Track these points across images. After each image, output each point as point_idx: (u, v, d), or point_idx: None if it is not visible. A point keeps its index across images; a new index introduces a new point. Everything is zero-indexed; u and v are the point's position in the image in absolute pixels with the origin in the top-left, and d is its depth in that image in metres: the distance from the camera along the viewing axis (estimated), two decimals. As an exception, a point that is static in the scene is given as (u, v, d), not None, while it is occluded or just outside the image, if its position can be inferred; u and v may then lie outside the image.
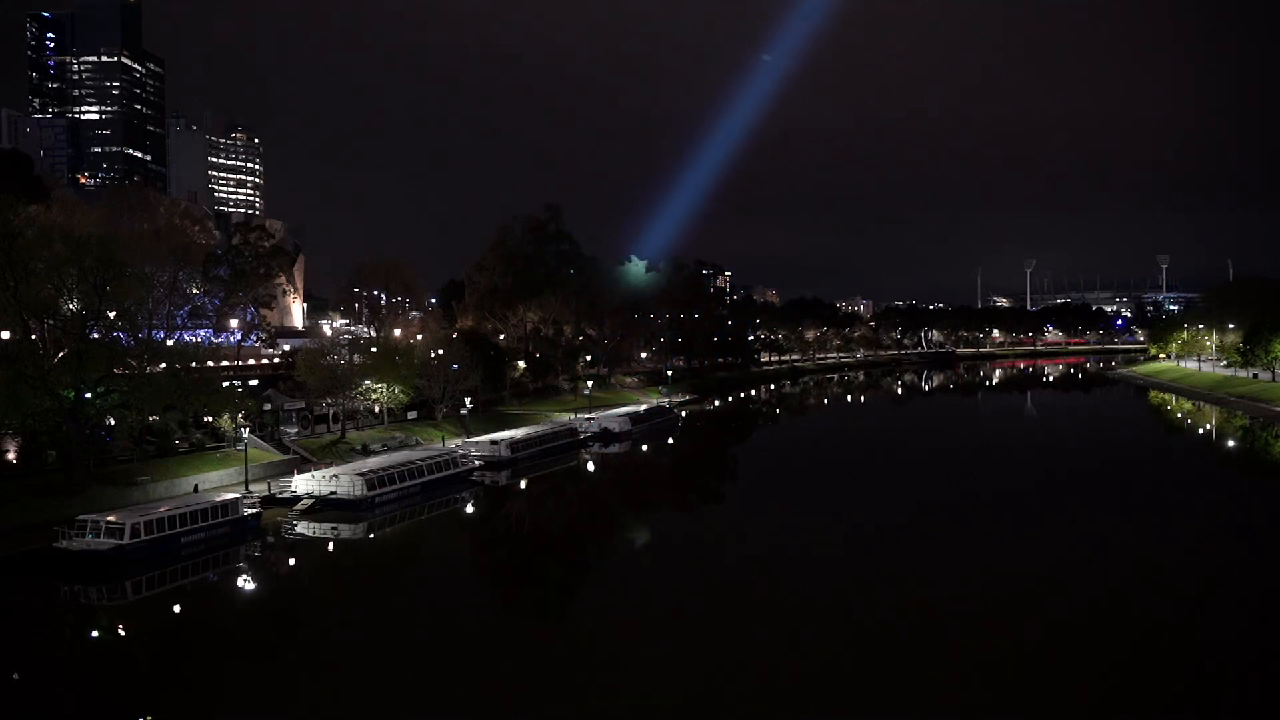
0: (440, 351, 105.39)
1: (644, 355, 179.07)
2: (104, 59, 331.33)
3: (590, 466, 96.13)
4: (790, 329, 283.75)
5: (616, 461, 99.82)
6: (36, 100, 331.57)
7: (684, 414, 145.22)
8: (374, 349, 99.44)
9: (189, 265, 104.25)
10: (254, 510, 63.08)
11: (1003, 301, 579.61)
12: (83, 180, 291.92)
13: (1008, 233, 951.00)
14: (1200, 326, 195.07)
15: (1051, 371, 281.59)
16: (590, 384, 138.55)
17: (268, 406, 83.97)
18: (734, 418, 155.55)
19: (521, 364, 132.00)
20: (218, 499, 61.29)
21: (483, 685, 35.94)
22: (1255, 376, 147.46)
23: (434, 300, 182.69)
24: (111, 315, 66.21)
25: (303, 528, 65.01)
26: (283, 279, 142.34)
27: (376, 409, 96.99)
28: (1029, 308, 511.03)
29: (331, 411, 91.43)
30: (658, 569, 54.49)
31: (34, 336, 64.52)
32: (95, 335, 64.07)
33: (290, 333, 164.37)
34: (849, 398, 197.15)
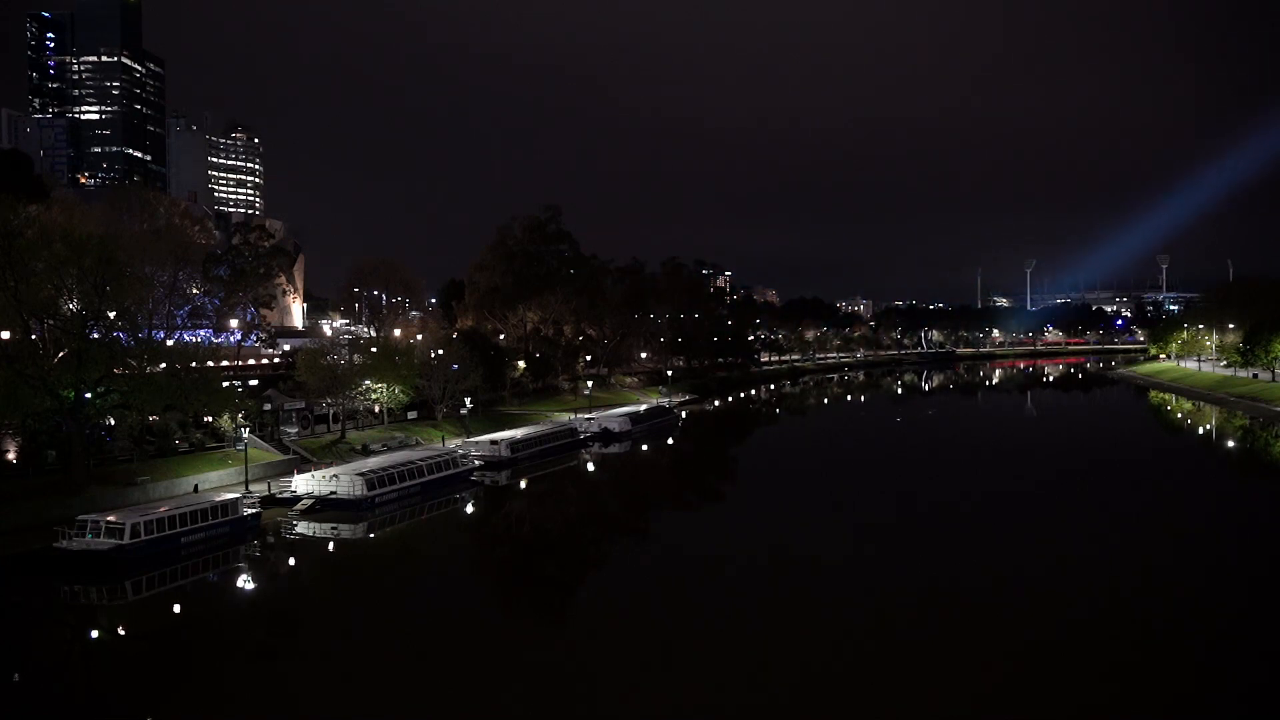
0: (440, 351, 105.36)
1: (644, 355, 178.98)
2: (104, 59, 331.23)
3: (590, 466, 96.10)
4: (790, 329, 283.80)
5: (616, 461, 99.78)
6: (36, 100, 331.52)
7: (684, 414, 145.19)
8: (374, 349, 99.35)
9: (189, 265, 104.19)
10: (254, 510, 63.06)
11: (1003, 301, 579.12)
12: (83, 180, 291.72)
13: (1008, 233, 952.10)
14: (1200, 326, 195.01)
15: (1051, 371, 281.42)
16: (590, 384, 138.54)
17: (268, 406, 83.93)
18: (734, 418, 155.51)
19: (521, 364, 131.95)
20: (218, 499, 61.26)
21: (483, 685, 35.93)
22: (1255, 376, 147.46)
23: (434, 300, 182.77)
24: (111, 315, 66.13)
25: (303, 528, 65.00)
26: (283, 279, 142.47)
27: (376, 409, 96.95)
28: (1029, 308, 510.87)
29: (331, 411, 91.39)
30: (658, 569, 54.44)
31: (34, 336, 64.46)
32: (95, 335, 64.00)
33: (290, 333, 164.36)
34: (849, 398, 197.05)
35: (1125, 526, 62.50)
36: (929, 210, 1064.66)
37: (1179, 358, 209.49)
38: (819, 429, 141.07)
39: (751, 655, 38.13)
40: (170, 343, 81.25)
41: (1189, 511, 68.73)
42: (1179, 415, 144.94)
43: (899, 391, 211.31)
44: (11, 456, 63.67)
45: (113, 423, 68.18)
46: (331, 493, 68.91)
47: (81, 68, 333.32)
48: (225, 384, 76.25)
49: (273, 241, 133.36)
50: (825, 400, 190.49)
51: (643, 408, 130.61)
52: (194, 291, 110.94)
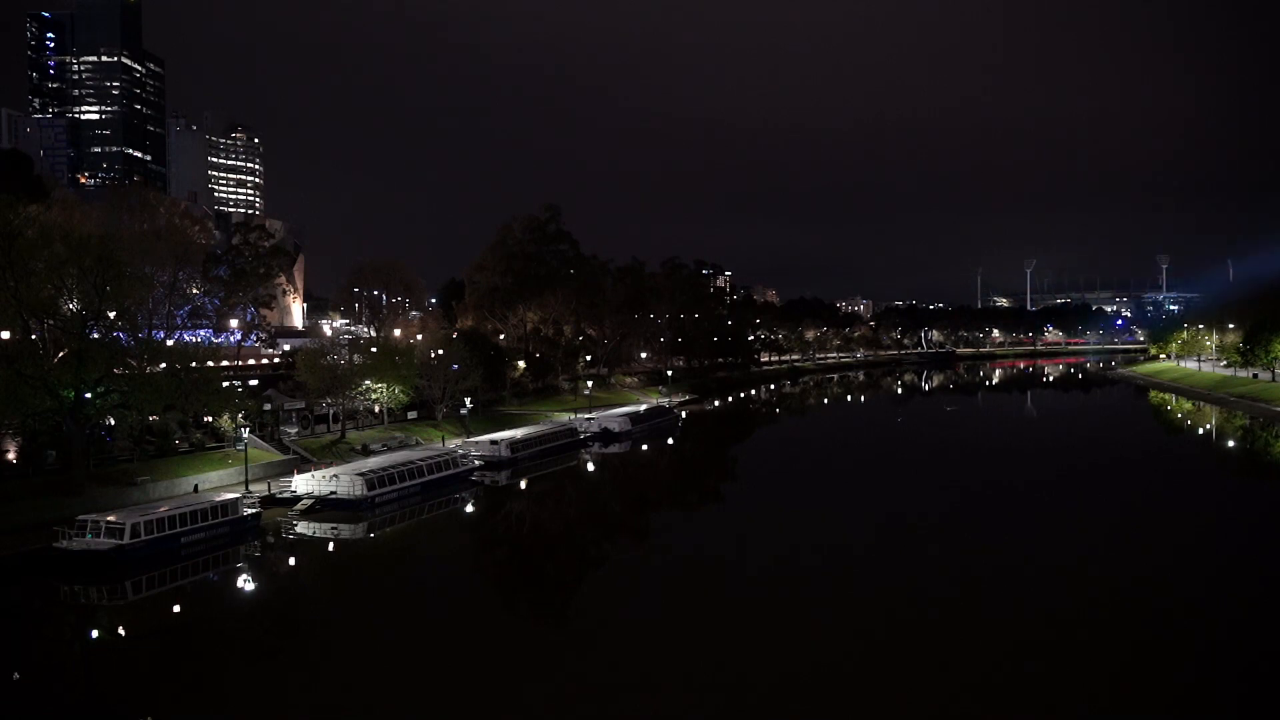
0: (440, 351, 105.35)
1: (644, 355, 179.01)
2: (104, 59, 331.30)
3: (590, 466, 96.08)
4: (790, 329, 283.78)
5: (616, 461, 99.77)
6: (36, 100, 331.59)
7: (684, 414, 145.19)
8: (374, 349, 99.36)
9: (189, 265, 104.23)
10: (254, 510, 63.05)
11: (1003, 301, 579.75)
12: (83, 180, 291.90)
13: (1008, 233, 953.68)
14: (1200, 326, 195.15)
15: (1051, 371, 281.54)
16: (590, 384, 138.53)
17: (268, 406, 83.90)
18: (734, 418, 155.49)
19: (521, 364, 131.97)
20: (218, 499, 61.25)
21: (482, 685, 35.92)
22: (1255, 376, 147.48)
23: (434, 300, 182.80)
24: (111, 315, 66.15)
25: (303, 528, 64.98)
26: (283, 279, 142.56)
27: (376, 409, 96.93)
28: (1029, 308, 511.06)
29: (331, 411, 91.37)
30: (658, 569, 54.43)
31: (34, 336, 64.46)
32: (95, 335, 64.02)
33: (290, 333, 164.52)
34: (849, 398, 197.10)
35: (1126, 526, 62.42)
36: (929, 210, 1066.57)
37: (1179, 358, 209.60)
38: (820, 429, 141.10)
39: (753, 655, 38.09)
40: (170, 343, 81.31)
41: (1190, 511, 68.64)
42: (1179, 415, 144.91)
43: (899, 391, 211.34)
44: (11, 456, 63.65)
45: (113, 423, 68.15)
46: (331, 493, 68.89)
47: (81, 68, 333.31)
48: (225, 384, 76.26)
49: (273, 241, 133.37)
50: (825, 400, 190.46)
51: (643, 408, 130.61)
52: (194, 291, 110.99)
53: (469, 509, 75.08)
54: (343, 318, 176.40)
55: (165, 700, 35.55)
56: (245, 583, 54.18)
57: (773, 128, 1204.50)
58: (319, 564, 58.56)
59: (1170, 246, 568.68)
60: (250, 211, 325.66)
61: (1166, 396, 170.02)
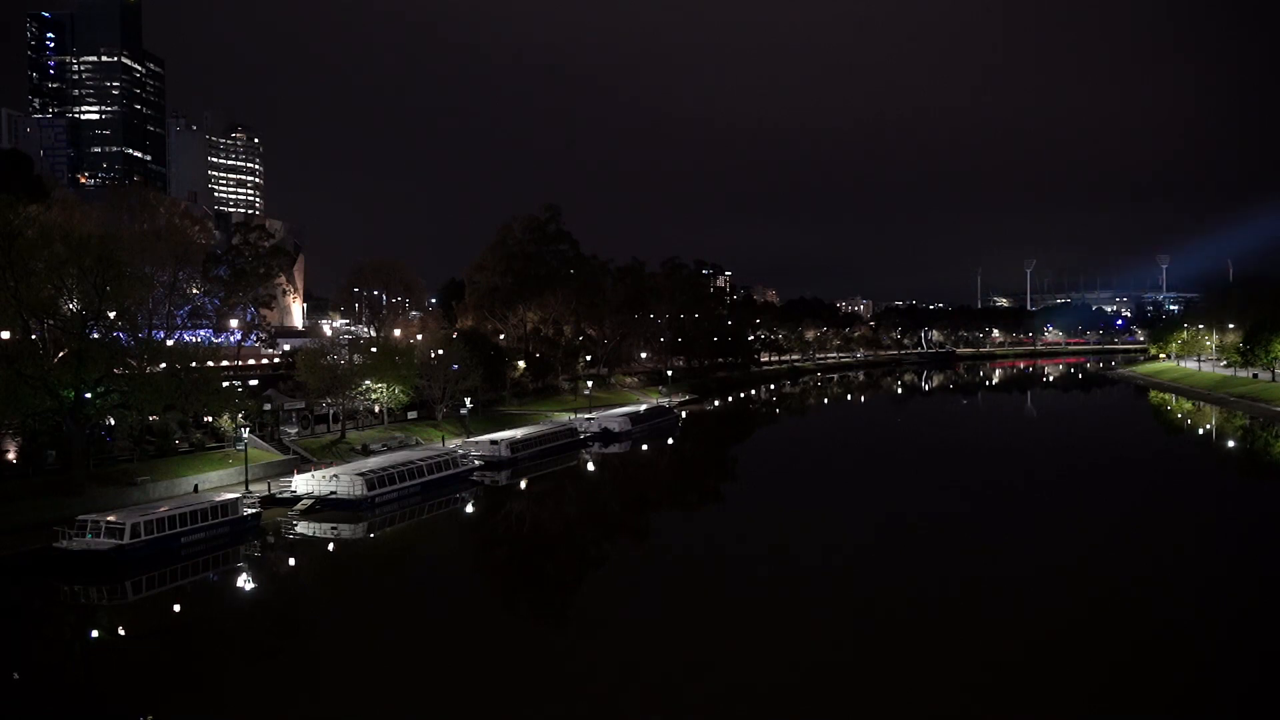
0: (440, 351, 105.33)
1: (644, 355, 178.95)
2: (104, 59, 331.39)
3: (590, 466, 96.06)
4: (790, 329, 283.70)
5: (616, 461, 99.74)
6: (36, 100, 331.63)
7: (684, 414, 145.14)
8: (374, 349, 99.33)
9: (189, 265, 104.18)
10: (254, 510, 63.04)
11: (1003, 301, 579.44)
12: (83, 180, 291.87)
13: (1008, 233, 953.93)
14: (1200, 326, 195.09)
15: (1051, 371, 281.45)
16: (590, 384, 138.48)
17: (268, 406, 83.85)
18: (734, 418, 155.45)
19: (521, 364, 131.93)
20: (218, 499, 61.24)
21: (483, 685, 35.92)
22: (1255, 376, 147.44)
23: (434, 300, 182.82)
24: (111, 315, 66.15)
25: (303, 528, 64.97)
26: (283, 279, 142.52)
27: (376, 409, 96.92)
28: (1029, 308, 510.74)
29: (331, 411, 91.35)
30: (658, 569, 54.43)
31: (34, 336, 64.45)
32: (95, 335, 64.03)
33: (290, 333, 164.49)
34: (849, 398, 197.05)
35: (1126, 526, 62.39)
36: (929, 210, 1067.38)
37: (1179, 358, 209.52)
38: (820, 429, 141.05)
39: (754, 655, 38.09)
40: (170, 343, 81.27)
41: (1190, 511, 68.64)
42: (1179, 415, 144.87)
43: (899, 392, 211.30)
44: (11, 456, 63.64)
45: (113, 423, 68.14)
46: (331, 493, 68.88)
47: (81, 68, 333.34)
48: (225, 384, 76.21)
49: (273, 241, 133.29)
50: (825, 400, 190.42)
51: (643, 408, 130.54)
52: (194, 291, 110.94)
53: (469, 509, 75.07)
54: (343, 318, 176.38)
55: (165, 700, 35.53)
56: (245, 583, 54.16)
57: (773, 128, 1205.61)
58: (319, 564, 58.55)
59: (1170, 246, 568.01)
60: (250, 211, 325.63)
61: (1166, 396, 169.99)
